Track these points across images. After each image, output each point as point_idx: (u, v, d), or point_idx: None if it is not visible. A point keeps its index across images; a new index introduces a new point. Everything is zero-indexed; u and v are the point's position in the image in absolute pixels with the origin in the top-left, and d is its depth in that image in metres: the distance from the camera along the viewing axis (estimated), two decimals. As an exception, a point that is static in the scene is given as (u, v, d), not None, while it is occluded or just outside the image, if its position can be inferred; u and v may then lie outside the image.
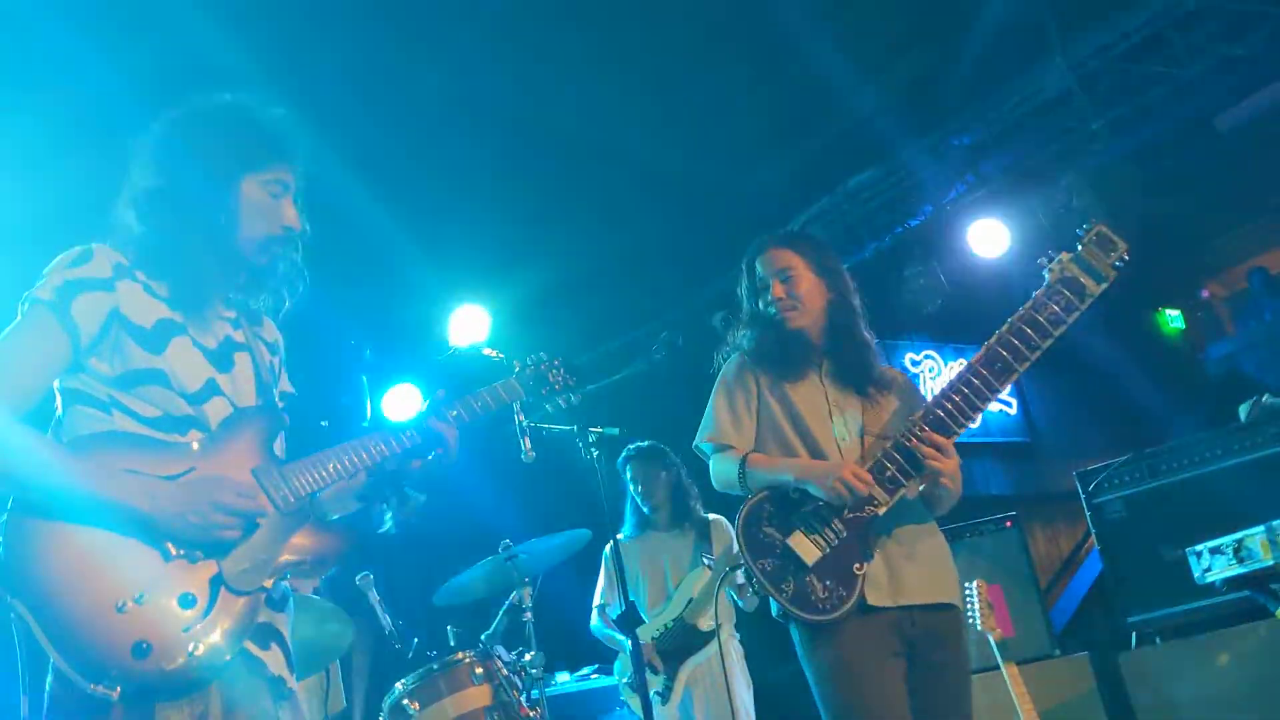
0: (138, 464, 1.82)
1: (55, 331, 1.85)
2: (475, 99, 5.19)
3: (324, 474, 2.00)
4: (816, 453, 2.76)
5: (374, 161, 5.05)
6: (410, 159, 5.44)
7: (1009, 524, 4.82)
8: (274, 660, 1.93)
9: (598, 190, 5.92)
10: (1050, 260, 2.65)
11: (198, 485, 1.83)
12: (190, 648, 1.72)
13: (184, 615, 1.74)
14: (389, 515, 2.18)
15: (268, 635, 1.93)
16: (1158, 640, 4.33)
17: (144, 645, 1.68)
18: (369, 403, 6.69)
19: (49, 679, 1.72)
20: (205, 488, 1.83)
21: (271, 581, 1.89)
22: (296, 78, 4.42)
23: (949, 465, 2.61)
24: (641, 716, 3.58)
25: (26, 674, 1.73)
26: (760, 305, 2.93)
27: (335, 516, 2.18)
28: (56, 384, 1.91)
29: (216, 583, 1.80)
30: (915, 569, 2.66)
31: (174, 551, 1.79)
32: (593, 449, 3.65)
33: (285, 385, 2.24)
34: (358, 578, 3.99)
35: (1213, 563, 3.66)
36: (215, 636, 1.75)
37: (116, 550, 1.74)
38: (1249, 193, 7.92)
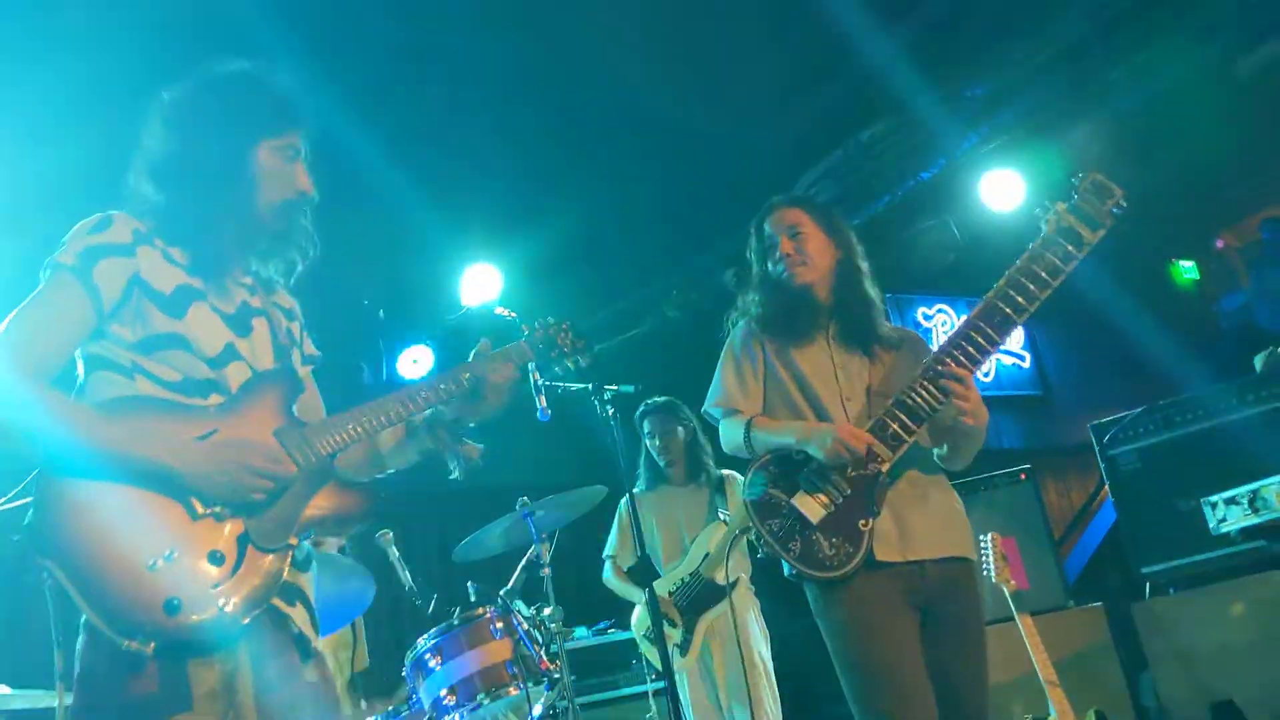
0: (162, 426, 1.83)
1: (79, 296, 1.87)
2: (485, 57, 5.15)
3: (344, 435, 2.02)
4: (823, 415, 2.76)
5: (385, 120, 5.02)
6: (421, 118, 5.40)
7: (1023, 476, 4.84)
8: (300, 618, 1.96)
9: (608, 147, 5.88)
10: (1046, 211, 2.62)
11: (225, 446, 1.85)
12: (220, 604, 1.75)
13: (213, 572, 1.77)
14: (454, 463, 2.21)
15: (293, 594, 1.96)
16: (1172, 590, 4.36)
17: (175, 602, 1.71)
18: (384, 363, 6.72)
19: (81, 636, 1.76)
20: (234, 449, 1.85)
21: (296, 539, 1.92)
22: (309, 33, 4.39)
23: (971, 400, 2.59)
24: (660, 669, 3.64)
25: (59, 632, 1.77)
26: (769, 265, 2.93)
27: (393, 469, 2.22)
28: (78, 350, 1.92)
29: (244, 540, 1.83)
30: (925, 523, 2.67)
31: (200, 509, 1.82)
32: (608, 406, 3.68)
33: (310, 349, 2.27)
34: (377, 535, 4.04)
35: (1228, 513, 3.69)
36: (244, 593, 1.78)
37: (145, 509, 1.77)
38: (1267, 140, 7.80)
